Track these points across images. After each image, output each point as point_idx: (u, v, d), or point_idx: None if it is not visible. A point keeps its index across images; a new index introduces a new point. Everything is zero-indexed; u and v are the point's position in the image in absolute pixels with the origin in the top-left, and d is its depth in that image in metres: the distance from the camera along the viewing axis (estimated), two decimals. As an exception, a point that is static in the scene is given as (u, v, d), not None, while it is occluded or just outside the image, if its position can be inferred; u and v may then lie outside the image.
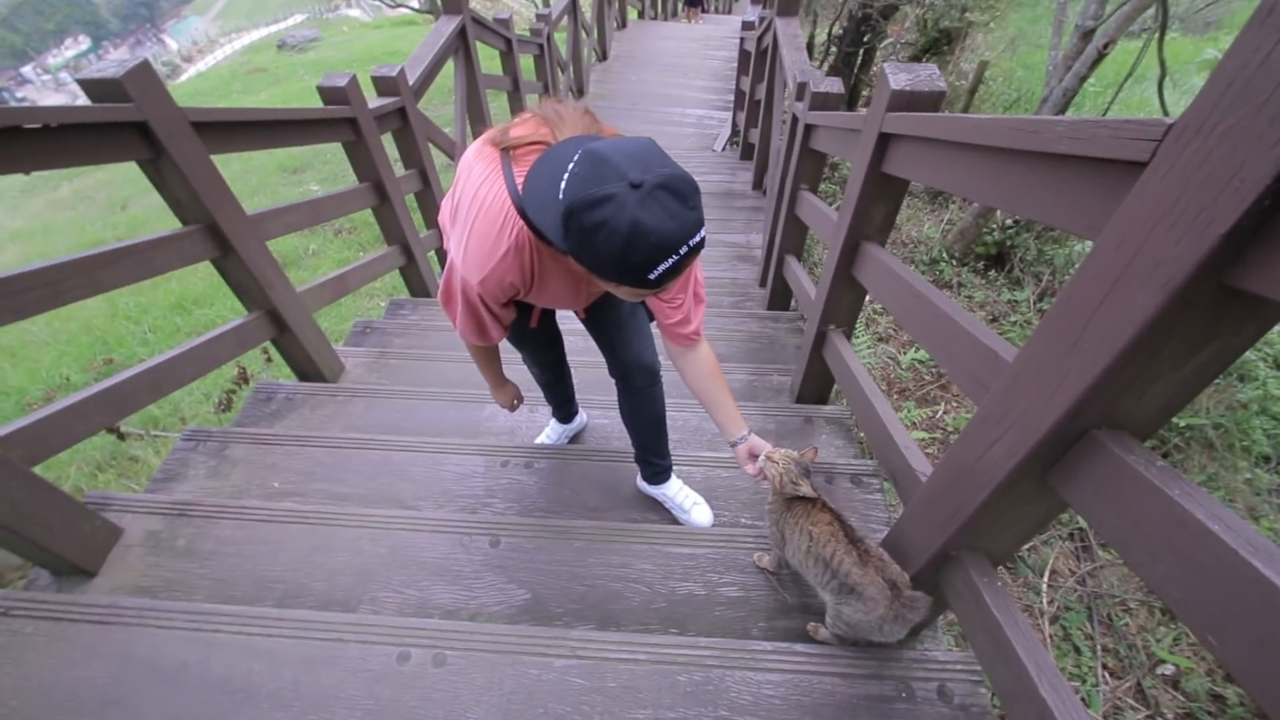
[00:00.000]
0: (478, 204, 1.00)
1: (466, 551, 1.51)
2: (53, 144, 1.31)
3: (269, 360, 3.19)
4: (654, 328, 1.46)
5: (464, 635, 1.27)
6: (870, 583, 1.12)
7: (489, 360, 1.47)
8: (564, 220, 0.81)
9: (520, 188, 0.96)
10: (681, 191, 0.80)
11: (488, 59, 3.99)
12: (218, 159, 1.72)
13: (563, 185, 0.82)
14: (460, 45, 3.44)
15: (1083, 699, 1.98)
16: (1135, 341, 0.65)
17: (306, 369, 2.25)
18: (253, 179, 6.14)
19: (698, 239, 0.82)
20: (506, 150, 1.01)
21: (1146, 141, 0.63)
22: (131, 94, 1.44)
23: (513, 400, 1.60)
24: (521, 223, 0.98)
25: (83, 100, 1.46)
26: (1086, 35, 3.59)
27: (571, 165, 0.83)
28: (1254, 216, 0.52)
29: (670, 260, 0.81)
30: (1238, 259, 0.56)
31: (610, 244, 0.78)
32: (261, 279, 1.91)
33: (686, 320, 1.22)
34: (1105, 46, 3.41)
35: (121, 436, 2.62)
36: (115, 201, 6.54)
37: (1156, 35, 3.45)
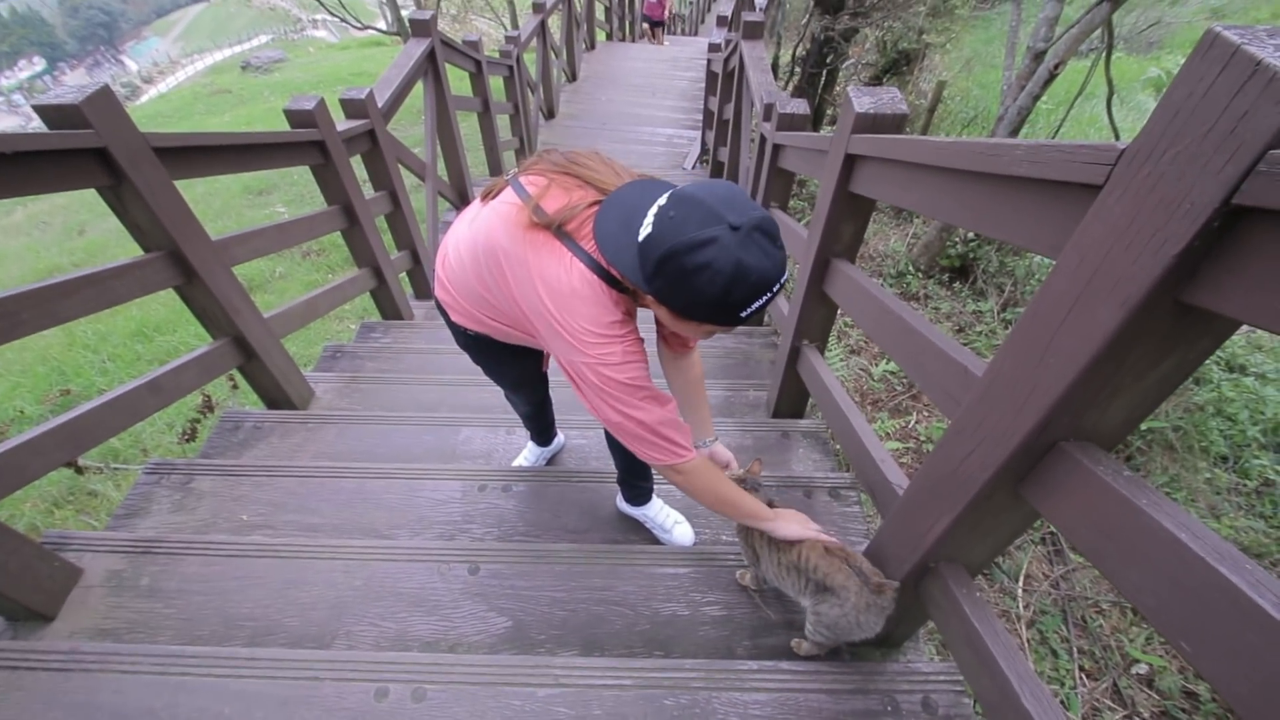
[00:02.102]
0: (570, 298, 0.97)
1: (444, 580, 1.48)
2: (8, 171, 1.26)
3: (235, 388, 3.11)
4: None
5: (444, 668, 1.24)
6: (838, 571, 1.16)
7: (721, 479, 1.20)
8: (660, 263, 0.84)
9: (595, 254, 0.97)
10: (772, 232, 0.84)
11: (457, 80, 4.00)
12: (180, 183, 1.69)
13: (647, 227, 0.86)
14: (429, 67, 3.44)
15: (1062, 702, 2.01)
16: (1098, 356, 0.67)
17: (275, 396, 2.20)
18: (216, 201, 6.02)
19: (786, 276, 0.87)
20: (561, 228, 0.98)
21: (1101, 165, 0.66)
22: (91, 120, 1.41)
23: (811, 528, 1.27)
24: (609, 287, 0.99)
25: (38, 123, 1.42)
26: (1038, 56, 3.74)
27: (658, 208, 0.86)
28: (1205, 237, 0.55)
29: (764, 298, 0.85)
30: (1191, 277, 0.58)
31: (714, 284, 0.82)
32: (227, 305, 1.87)
33: None
34: (1056, 67, 3.56)
35: (80, 471, 2.52)
36: (72, 227, 6.34)
37: (1104, 56, 3.62)
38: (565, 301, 0.97)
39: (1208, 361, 3.33)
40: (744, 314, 0.86)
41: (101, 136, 1.43)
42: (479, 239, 1.08)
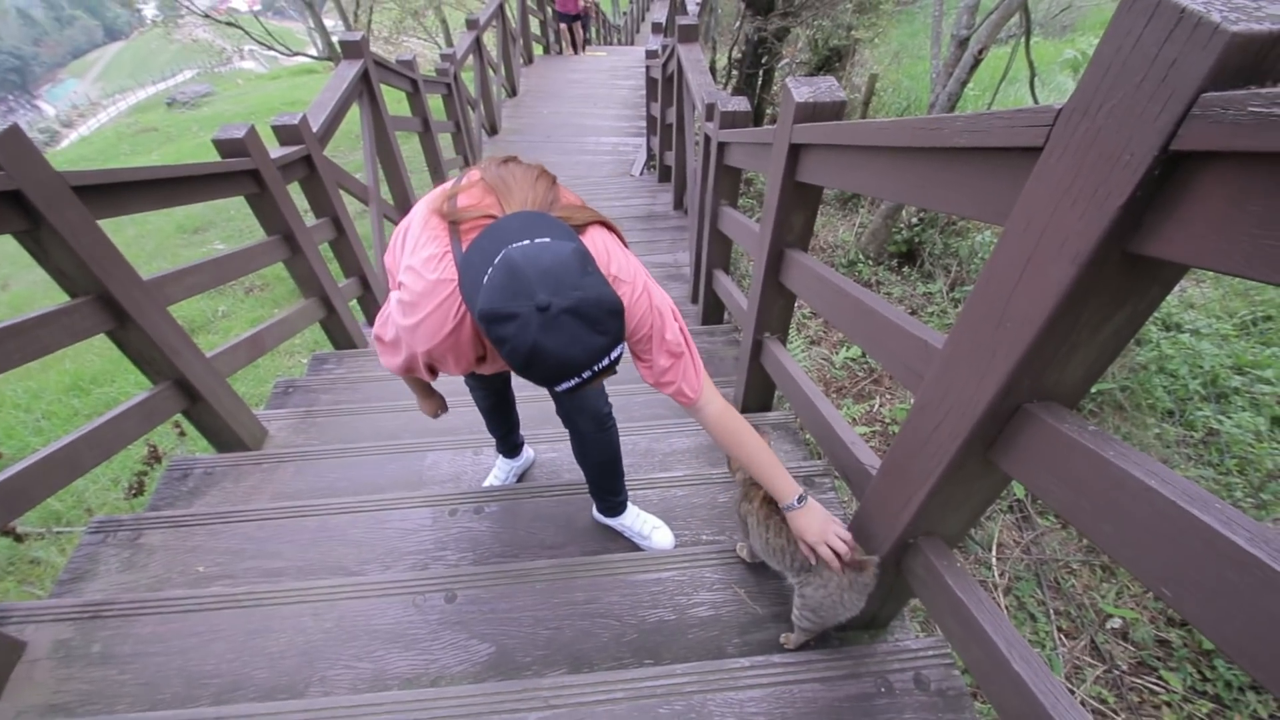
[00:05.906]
0: (425, 283, 0.97)
1: (420, 612, 1.42)
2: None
3: (182, 434, 2.96)
4: None
5: (426, 704, 1.19)
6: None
7: (415, 379, 1.39)
8: (477, 318, 0.82)
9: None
10: (590, 315, 0.78)
11: (396, 101, 3.92)
12: (107, 224, 1.60)
13: (484, 280, 0.82)
14: (364, 89, 3.37)
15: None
16: (1054, 314, 0.68)
17: (225, 439, 2.10)
18: (149, 243, 5.77)
19: (605, 363, 0.81)
20: (455, 224, 0.97)
21: (1039, 128, 0.67)
22: (0, 161, 1.32)
23: (437, 410, 1.51)
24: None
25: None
26: (962, 43, 3.88)
27: (497, 259, 0.81)
28: (1146, 186, 0.56)
29: (572, 381, 0.81)
30: (1137, 227, 0.59)
31: (514, 358, 0.79)
32: (165, 347, 1.78)
33: (669, 381, 1.13)
34: (980, 53, 3.70)
35: (19, 538, 2.35)
36: (-8, 282, 5.99)
37: (1023, 40, 3.77)
38: (421, 286, 0.97)
39: (1146, 322, 3.50)
40: (556, 389, 0.83)
41: (13, 178, 1.35)
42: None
